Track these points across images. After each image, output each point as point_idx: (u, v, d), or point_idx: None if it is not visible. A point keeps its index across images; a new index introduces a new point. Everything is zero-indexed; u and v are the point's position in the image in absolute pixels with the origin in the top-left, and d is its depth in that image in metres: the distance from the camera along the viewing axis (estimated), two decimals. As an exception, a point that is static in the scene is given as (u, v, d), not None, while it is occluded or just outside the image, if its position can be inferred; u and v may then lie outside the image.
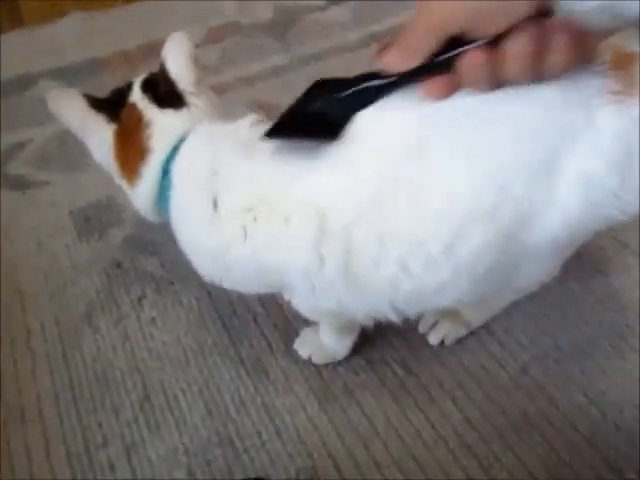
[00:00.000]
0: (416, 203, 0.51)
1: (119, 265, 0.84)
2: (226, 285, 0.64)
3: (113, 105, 0.64)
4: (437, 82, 0.48)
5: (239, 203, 0.55)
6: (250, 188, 0.56)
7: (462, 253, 0.53)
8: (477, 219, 0.52)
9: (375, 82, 0.50)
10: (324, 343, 0.71)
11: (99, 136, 0.63)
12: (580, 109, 0.49)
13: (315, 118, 0.53)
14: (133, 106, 0.62)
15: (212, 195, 0.56)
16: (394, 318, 0.59)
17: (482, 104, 0.50)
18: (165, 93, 0.63)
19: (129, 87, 0.64)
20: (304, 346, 0.72)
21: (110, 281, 0.82)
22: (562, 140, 0.49)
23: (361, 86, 0.51)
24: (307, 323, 0.72)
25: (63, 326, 0.77)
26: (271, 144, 0.55)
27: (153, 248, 0.85)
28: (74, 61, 1.25)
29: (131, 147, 0.61)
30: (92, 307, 0.79)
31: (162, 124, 0.61)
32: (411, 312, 0.60)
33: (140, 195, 0.62)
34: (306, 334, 0.73)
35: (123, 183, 0.64)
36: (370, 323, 0.63)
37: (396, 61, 0.48)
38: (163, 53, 0.65)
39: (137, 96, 0.63)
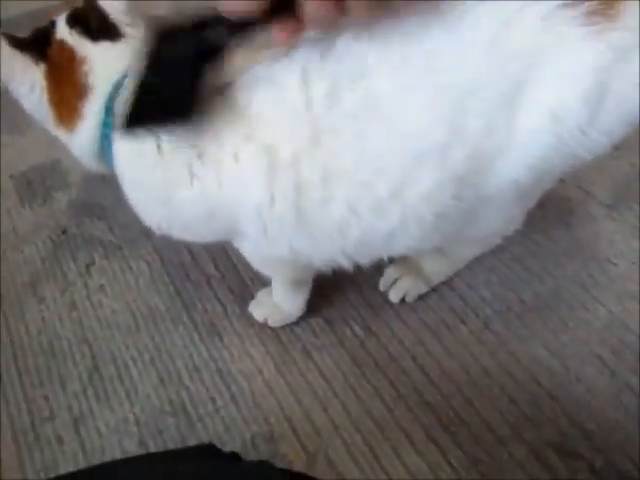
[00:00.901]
0: (360, 138, 0.47)
1: (64, 231, 0.79)
2: (174, 233, 0.59)
3: (38, 45, 0.57)
4: (287, 27, 0.42)
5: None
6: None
7: (410, 196, 0.49)
8: (426, 158, 0.48)
9: (211, 31, 0.44)
10: (277, 303, 0.68)
11: (28, 79, 0.57)
12: (549, 32, 0.43)
13: (166, 93, 0.47)
14: (62, 43, 0.56)
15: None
16: (346, 265, 0.57)
17: (427, 28, 0.44)
18: (97, 26, 0.57)
19: (52, 25, 0.57)
20: (259, 309, 0.70)
21: (55, 248, 0.78)
22: (526, 68, 0.44)
23: (203, 38, 0.44)
24: (264, 285, 0.70)
25: (5, 296, 0.73)
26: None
27: (100, 212, 0.81)
28: (13, 14, 1.16)
29: (67, 87, 0.55)
30: (36, 275, 0.75)
31: (100, 58, 0.55)
32: (363, 259, 0.58)
33: (81, 139, 0.56)
34: (261, 296, 0.70)
35: (60, 131, 0.58)
36: (324, 270, 0.60)
37: (238, 2, 0.41)
38: None
39: (64, 32, 0.56)
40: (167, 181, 0.53)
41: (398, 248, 0.58)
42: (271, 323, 0.69)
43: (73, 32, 0.56)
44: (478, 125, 0.47)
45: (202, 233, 0.60)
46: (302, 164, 0.49)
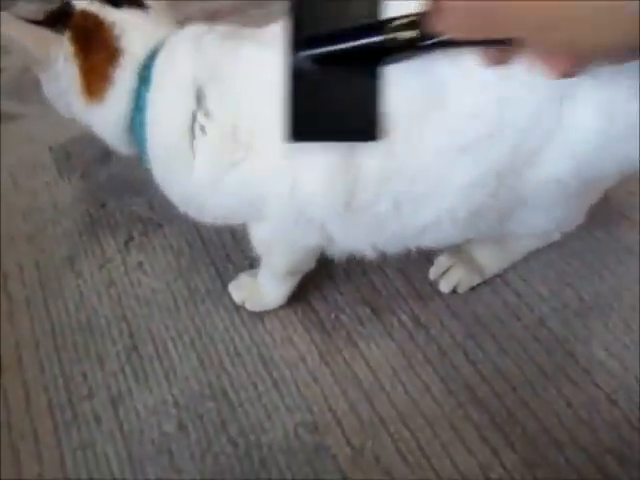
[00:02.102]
0: (412, 137, 0.46)
1: (103, 205, 0.77)
2: (194, 214, 0.58)
3: (57, 19, 0.54)
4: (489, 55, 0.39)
5: (230, 122, 0.49)
6: (241, 109, 0.49)
7: (447, 192, 0.49)
8: (466, 154, 0.46)
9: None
10: (262, 289, 0.66)
11: (52, 49, 0.53)
12: None
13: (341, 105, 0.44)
14: (85, 12, 0.53)
15: (194, 113, 0.49)
16: (370, 254, 0.57)
17: None
18: None
19: (67, 4, 0.54)
20: (239, 290, 0.67)
21: (94, 222, 0.76)
22: None
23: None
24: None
25: (43, 270, 0.71)
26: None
27: (141, 188, 0.78)
28: None
29: (97, 52, 0.52)
30: (74, 250, 0.73)
31: (132, 23, 0.53)
32: (390, 250, 0.58)
33: (111, 108, 0.53)
34: (243, 279, 0.68)
35: (86, 103, 0.54)
36: (339, 258, 0.60)
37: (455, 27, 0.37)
38: None
39: (84, 5, 0.53)
40: (209, 164, 0.50)
41: (429, 242, 0.57)
42: (249, 307, 0.66)
43: (94, 2, 0.53)
44: (522, 119, 0.44)
45: (228, 216, 0.58)
46: (364, 163, 0.47)
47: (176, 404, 0.60)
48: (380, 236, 0.54)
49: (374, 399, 0.60)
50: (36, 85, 0.91)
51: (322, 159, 0.48)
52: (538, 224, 0.57)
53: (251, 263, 0.71)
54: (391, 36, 0.40)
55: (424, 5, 0.37)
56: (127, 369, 0.62)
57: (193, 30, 0.53)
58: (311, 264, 0.62)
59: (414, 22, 0.39)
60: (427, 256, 0.70)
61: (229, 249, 0.72)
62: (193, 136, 0.50)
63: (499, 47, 0.38)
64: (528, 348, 0.63)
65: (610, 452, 0.55)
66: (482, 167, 0.47)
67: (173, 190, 0.56)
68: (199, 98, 0.49)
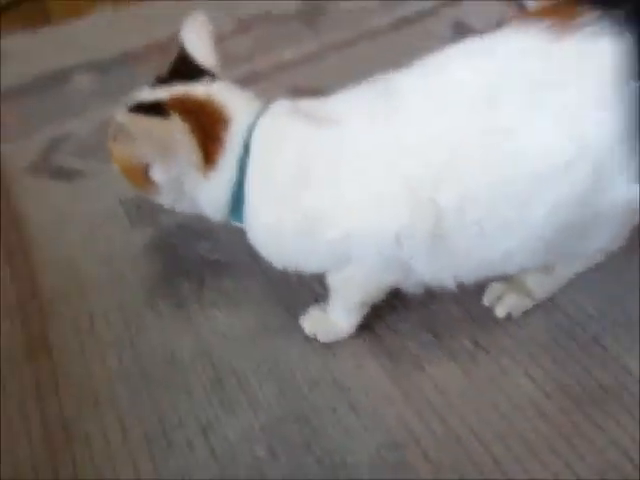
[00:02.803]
0: (492, 154, 0.52)
1: (174, 250, 0.84)
2: (290, 267, 0.65)
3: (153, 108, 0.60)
4: None
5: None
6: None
7: (534, 215, 0.53)
8: (551, 177, 0.51)
9: None
10: (332, 321, 0.71)
11: (171, 133, 0.58)
12: None
13: None
14: (181, 92, 0.61)
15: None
16: (450, 285, 0.62)
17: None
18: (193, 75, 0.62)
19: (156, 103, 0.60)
20: (310, 324, 0.72)
21: (166, 266, 0.82)
22: None
23: None
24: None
25: (126, 311, 0.77)
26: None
27: (207, 234, 0.85)
28: (106, 55, 1.26)
29: (209, 123, 0.59)
30: (153, 292, 0.79)
31: (231, 94, 0.61)
32: (471, 279, 0.63)
33: (223, 175, 0.60)
34: (313, 312, 0.73)
35: (203, 173, 0.60)
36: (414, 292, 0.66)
37: None
38: (184, 35, 0.65)
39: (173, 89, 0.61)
40: (310, 225, 0.58)
41: (512, 267, 0.62)
42: (321, 338, 0.71)
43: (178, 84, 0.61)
44: (602, 140, 0.50)
45: (321, 265, 0.65)
46: (441, 192, 0.53)
47: (262, 429, 0.64)
48: (465, 266, 0.59)
49: (446, 417, 0.64)
50: (102, 146, 1.02)
51: (403, 199, 0.54)
52: (603, 240, 0.61)
53: (316, 298, 0.77)
54: None
55: None
56: (213, 399, 0.67)
57: (285, 105, 0.61)
58: (383, 296, 0.68)
59: None
60: (479, 284, 0.76)
61: (294, 286, 0.78)
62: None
63: None
64: (586, 365, 0.67)
65: (675, 459, 0.59)
66: (565, 190, 0.52)
67: (276, 254, 0.65)
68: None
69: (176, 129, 0.58)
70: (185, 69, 0.63)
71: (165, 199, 0.65)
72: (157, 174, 0.61)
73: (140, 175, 0.62)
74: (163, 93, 0.61)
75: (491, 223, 0.55)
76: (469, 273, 0.63)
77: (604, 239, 0.62)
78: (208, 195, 0.62)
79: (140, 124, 0.57)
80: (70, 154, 1.01)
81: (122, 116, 0.57)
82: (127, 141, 0.58)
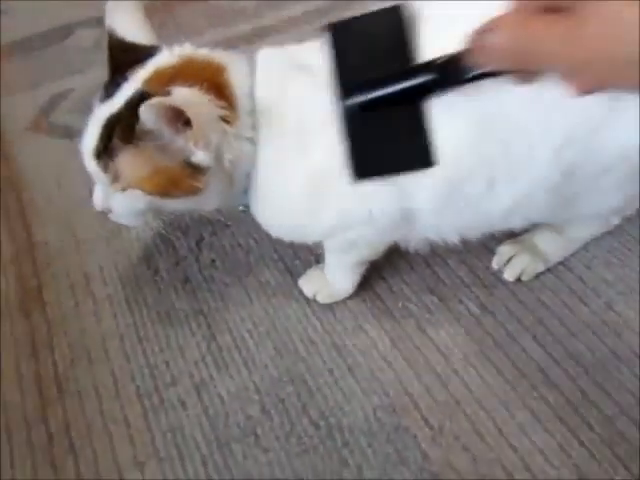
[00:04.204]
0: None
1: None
2: (296, 237, 0.64)
3: None
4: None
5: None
6: None
7: (545, 150, 0.51)
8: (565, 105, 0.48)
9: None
10: (331, 281, 0.68)
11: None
12: None
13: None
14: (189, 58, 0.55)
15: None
16: (455, 240, 0.61)
17: None
18: None
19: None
20: (309, 285, 0.70)
21: (165, 225, 0.80)
22: None
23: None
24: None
25: (122, 269, 0.75)
26: None
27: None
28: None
29: (220, 87, 0.53)
30: (149, 251, 0.77)
31: (225, 57, 0.56)
32: (475, 234, 0.62)
33: (242, 132, 0.54)
34: (312, 273, 0.71)
35: (230, 130, 0.53)
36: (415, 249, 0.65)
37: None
38: (111, 21, 0.57)
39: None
40: (321, 180, 0.55)
41: (518, 220, 0.61)
42: (320, 300, 0.69)
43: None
44: None
45: (328, 229, 0.61)
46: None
47: (257, 390, 0.62)
48: (471, 218, 0.57)
49: (448, 382, 0.62)
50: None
51: None
52: (611, 201, 0.58)
53: (317, 258, 0.74)
54: (437, 75, 0.46)
55: (466, 41, 0.40)
56: (208, 358, 0.65)
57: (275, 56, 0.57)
58: (381, 254, 0.65)
59: (455, 59, 0.43)
60: (487, 247, 0.73)
61: (295, 247, 0.75)
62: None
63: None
64: (597, 331, 0.64)
65: (689, 430, 0.56)
66: (573, 119, 0.49)
67: (282, 223, 0.62)
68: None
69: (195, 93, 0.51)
70: (129, 55, 0.56)
71: (213, 191, 0.55)
72: (200, 155, 0.51)
73: (180, 172, 0.52)
74: (135, 82, 0.54)
75: (502, 163, 0.52)
76: (474, 226, 0.60)
77: (616, 197, 0.59)
78: (241, 154, 0.55)
79: (194, 98, 0.50)
80: (70, 111, 0.99)
81: (171, 99, 0.48)
82: (173, 128, 0.50)
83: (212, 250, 0.76)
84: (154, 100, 0.47)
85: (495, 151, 0.51)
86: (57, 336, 0.69)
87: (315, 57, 0.55)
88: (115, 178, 0.55)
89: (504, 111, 0.50)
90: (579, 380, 0.61)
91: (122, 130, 0.52)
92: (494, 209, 0.56)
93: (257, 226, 0.77)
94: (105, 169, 0.55)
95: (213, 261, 0.75)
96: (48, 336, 0.69)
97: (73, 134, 0.94)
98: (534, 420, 0.58)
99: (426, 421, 0.59)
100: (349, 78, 0.51)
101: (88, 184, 0.85)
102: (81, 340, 0.68)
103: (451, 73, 0.44)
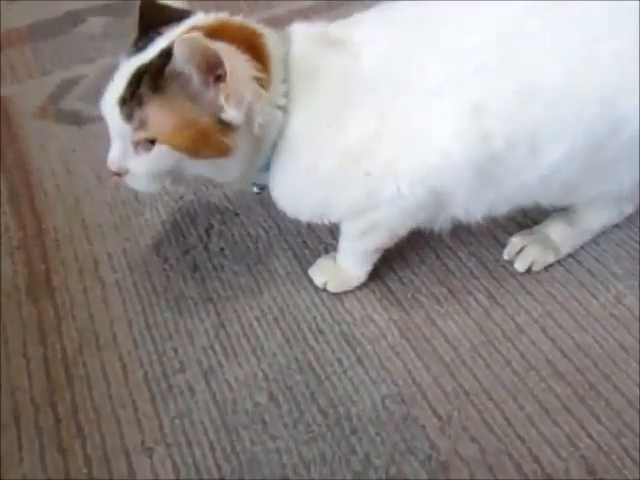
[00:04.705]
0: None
1: (182, 197, 0.82)
2: (314, 215, 0.63)
3: None
4: None
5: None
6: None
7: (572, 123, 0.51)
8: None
9: None
10: (342, 269, 0.68)
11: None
12: None
13: None
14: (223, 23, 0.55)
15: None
16: (481, 219, 0.61)
17: None
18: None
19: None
20: (320, 274, 0.70)
21: (174, 213, 0.80)
22: None
23: None
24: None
25: (130, 256, 0.75)
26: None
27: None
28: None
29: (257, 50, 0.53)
30: (158, 238, 0.77)
31: (246, 21, 0.56)
32: (503, 211, 0.62)
33: (274, 99, 0.53)
34: (322, 262, 0.71)
35: (265, 94, 0.53)
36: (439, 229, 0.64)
37: None
38: None
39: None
40: (351, 158, 0.55)
41: (544, 196, 0.61)
42: (330, 288, 0.69)
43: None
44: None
45: (349, 208, 0.60)
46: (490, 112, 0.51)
47: (266, 377, 0.62)
48: (507, 190, 0.56)
49: (456, 372, 0.62)
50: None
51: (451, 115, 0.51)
52: (631, 176, 0.58)
53: (326, 247, 0.74)
54: None
55: None
56: (216, 345, 0.65)
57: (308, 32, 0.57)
58: (397, 240, 0.65)
59: None
60: (497, 239, 0.73)
61: (305, 235, 0.75)
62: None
63: None
64: (606, 325, 0.64)
65: (697, 423, 0.56)
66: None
67: (302, 201, 0.61)
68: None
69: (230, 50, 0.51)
70: (162, 14, 0.56)
71: (239, 155, 0.54)
72: (231, 112, 0.50)
73: (211, 127, 0.51)
74: (171, 36, 0.53)
75: (547, 127, 0.52)
76: (507, 198, 0.59)
77: (631, 176, 0.58)
78: (271, 120, 0.54)
79: (232, 53, 0.49)
80: (79, 98, 0.99)
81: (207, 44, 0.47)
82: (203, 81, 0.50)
83: (221, 238, 0.76)
84: (192, 34, 0.47)
85: (540, 117, 0.51)
86: (65, 321, 0.69)
87: (348, 33, 0.55)
88: (141, 126, 0.52)
89: (549, 76, 0.50)
90: (587, 372, 0.61)
91: (152, 77, 0.51)
92: (534, 175, 0.55)
93: (266, 215, 0.78)
94: (129, 118, 0.52)
95: (222, 249, 0.75)
96: (56, 321, 0.69)
97: (82, 121, 0.95)
98: (542, 411, 0.58)
99: (434, 411, 0.59)
100: None
101: (96, 171, 0.87)
102: (90, 325, 0.68)
103: None
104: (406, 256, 0.72)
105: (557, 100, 0.50)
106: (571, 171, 0.56)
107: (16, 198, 0.84)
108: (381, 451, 0.56)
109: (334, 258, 0.69)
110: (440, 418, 0.58)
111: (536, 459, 0.55)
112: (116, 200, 0.81)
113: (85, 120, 0.94)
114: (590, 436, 0.56)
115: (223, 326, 0.67)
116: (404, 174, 0.54)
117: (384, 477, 0.55)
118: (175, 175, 0.57)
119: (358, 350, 0.64)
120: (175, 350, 0.66)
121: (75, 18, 1.14)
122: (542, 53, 0.49)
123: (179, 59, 0.49)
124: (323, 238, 0.74)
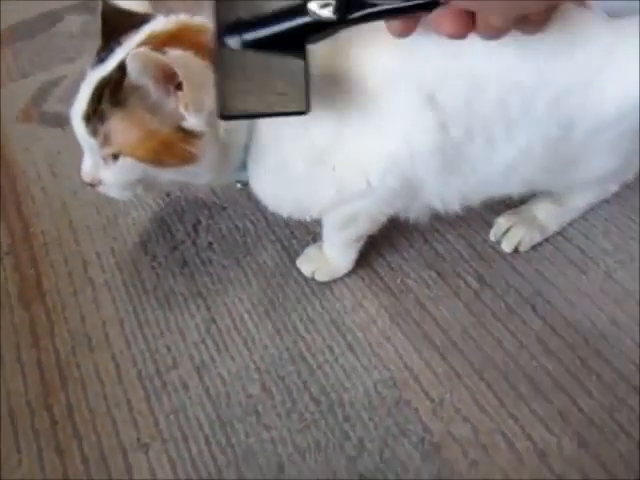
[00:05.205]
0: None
1: (168, 194, 0.82)
2: (295, 211, 0.62)
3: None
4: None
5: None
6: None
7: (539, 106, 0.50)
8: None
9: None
10: (330, 258, 0.68)
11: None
12: None
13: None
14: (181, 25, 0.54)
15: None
16: (457, 208, 0.61)
17: None
18: None
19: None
20: (308, 263, 0.70)
21: (162, 210, 0.80)
22: None
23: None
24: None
25: (119, 255, 0.75)
26: None
27: (202, 175, 0.82)
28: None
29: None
30: (146, 236, 0.77)
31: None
32: (477, 201, 0.62)
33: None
34: (309, 251, 0.71)
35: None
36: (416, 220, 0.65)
37: None
38: None
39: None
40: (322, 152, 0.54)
41: (513, 185, 0.60)
42: (319, 278, 0.69)
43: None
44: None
45: (329, 202, 0.59)
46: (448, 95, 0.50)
47: (258, 369, 0.63)
48: (473, 181, 0.56)
49: (447, 355, 0.62)
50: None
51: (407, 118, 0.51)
52: (603, 164, 0.58)
53: (314, 237, 0.74)
54: (313, 18, 0.43)
55: None
56: (208, 340, 0.66)
57: None
58: (379, 227, 0.65)
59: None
60: (486, 220, 0.72)
61: (292, 227, 0.75)
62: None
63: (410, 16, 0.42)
64: (597, 301, 0.64)
65: (690, 394, 0.56)
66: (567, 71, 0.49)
67: (280, 195, 0.61)
68: None
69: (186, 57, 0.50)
70: (122, 21, 0.55)
71: (207, 160, 0.54)
72: (192, 120, 0.50)
73: (173, 137, 0.51)
74: (128, 46, 0.53)
75: (499, 120, 0.51)
76: (477, 190, 0.60)
77: (615, 159, 0.58)
78: (237, 124, 0.54)
79: (188, 60, 0.49)
80: (61, 100, 0.98)
81: (161, 57, 0.47)
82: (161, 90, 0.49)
83: (209, 233, 0.76)
84: (141, 49, 0.47)
85: (491, 109, 0.50)
86: (57, 324, 0.69)
87: None
88: (105, 142, 0.53)
89: (495, 69, 0.49)
90: (578, 349, 0.61)
91: (111, 92, 0.51)
92: (494, 170, 0.55)
93: (254, 208, 0.78)
94: (94, 133, 0.53)
95: (210, 244, 0.75)
96: (49, 324, 0.69)
97: (65, 122, 0.94)
98: (533, 389, 0.58)
99: (427, 394, 0.59)
100: (233, 14, 0.47)
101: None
102: (81, 327, 0.68)
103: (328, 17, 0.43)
104: (394, 241, 0.72)
105: (503, 95, 0.50)
106: (531, 168, 0.56)
107: (3, 204, 0.84)
108: (374, 435, 0.57)
109: (321, 247, 0.69)
110: (432, 401, 0.59)
111: (529, 437, 0.55)
112: (102, 201, 0.80)
113: (68, 122, 0.93)
114: (582, 411, 0.57)
115: (214, 320, 0.67)
116: (371, 166, 0.54)
117: (378, 461, 0.55)
118: (147, 182, 0.57)
119: (349, 337, 0.64)
120: (167, 347, 0.66)
121: (53, 17, 1.13)
122: (492, 44, 0.47)
123: (133, 74, 0.49)
124: (311, 228, 0.74)
